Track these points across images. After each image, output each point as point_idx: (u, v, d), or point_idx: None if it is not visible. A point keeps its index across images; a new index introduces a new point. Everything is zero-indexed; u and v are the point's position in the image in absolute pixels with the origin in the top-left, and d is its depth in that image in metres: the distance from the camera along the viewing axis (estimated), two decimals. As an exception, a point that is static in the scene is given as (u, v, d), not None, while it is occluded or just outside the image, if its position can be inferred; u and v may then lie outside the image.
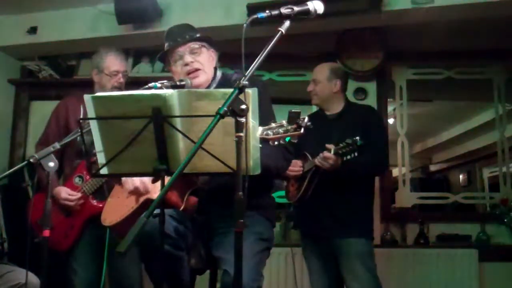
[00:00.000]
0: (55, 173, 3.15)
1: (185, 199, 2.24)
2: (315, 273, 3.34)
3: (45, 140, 3.25)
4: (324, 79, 3.38)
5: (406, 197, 4.63)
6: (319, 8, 1.92)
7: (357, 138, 2.93)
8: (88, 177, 3.15)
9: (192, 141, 1.77)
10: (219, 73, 2.48)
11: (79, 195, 3.13)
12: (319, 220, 3.22)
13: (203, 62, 2.37)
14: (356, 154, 2.93)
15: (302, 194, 3.22)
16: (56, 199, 3.12)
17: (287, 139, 1.81)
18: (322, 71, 3.41)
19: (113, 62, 3.27)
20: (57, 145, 2.29)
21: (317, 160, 3.04)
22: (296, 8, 1.86)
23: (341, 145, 2.95)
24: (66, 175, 3.30)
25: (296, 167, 3.18)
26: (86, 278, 3.16)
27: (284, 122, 1.81)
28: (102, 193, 3.10)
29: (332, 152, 2.97)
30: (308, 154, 3.21)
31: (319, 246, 3.30)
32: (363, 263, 3.14)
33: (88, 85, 3.38)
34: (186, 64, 2.35)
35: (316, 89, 3.40)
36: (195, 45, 2.37)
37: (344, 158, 2.96)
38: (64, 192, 3.13)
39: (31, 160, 2.21)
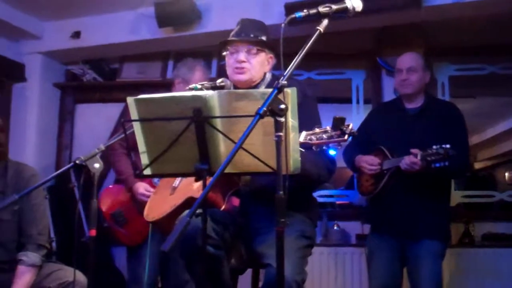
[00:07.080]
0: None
1: (226, 199, 2.27)
2: (377, 268, 3.22)
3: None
4: (420, 68, 3.20)
5: (451, 196, 4.52)
6: (358, 5, 1.89)
7: (448, 147, 2.77)
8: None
9: (233, 141, 1.79)
10: (268, 75, 2.47)
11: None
12: (393, 218, 3.13)
13: (254, 64, 2.38)
14: (446, 163, 2.79)
15: (379, 191, 3.16)
16: (133, 194, 3.24)
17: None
18: (418, 60, 3.22)
19: (200, 79, 3.31)
20: (102, 147, 2.34)
21: (403, 165, 2.94)
22: (334, 6, 1.84)
23: (429, 151, 2.82)
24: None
25: (374, 164, 3.16)
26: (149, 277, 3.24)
27: (328, 128, 1.80)
28: None
29: (419, 157, 2.86)
30: (386, 150, 3.15)
31: (387, 244, 3.19)
32: (430, 266, 3.01)
33: (131, 88, 3.41)
34: (238, 61, 2.37)
35: (411, 78, 3.18)
36: (254, 47, 2.38)
37: (432, 166, 2.83)
38: (142, 188, 3.22)
39: (77, 161, 2.26)
